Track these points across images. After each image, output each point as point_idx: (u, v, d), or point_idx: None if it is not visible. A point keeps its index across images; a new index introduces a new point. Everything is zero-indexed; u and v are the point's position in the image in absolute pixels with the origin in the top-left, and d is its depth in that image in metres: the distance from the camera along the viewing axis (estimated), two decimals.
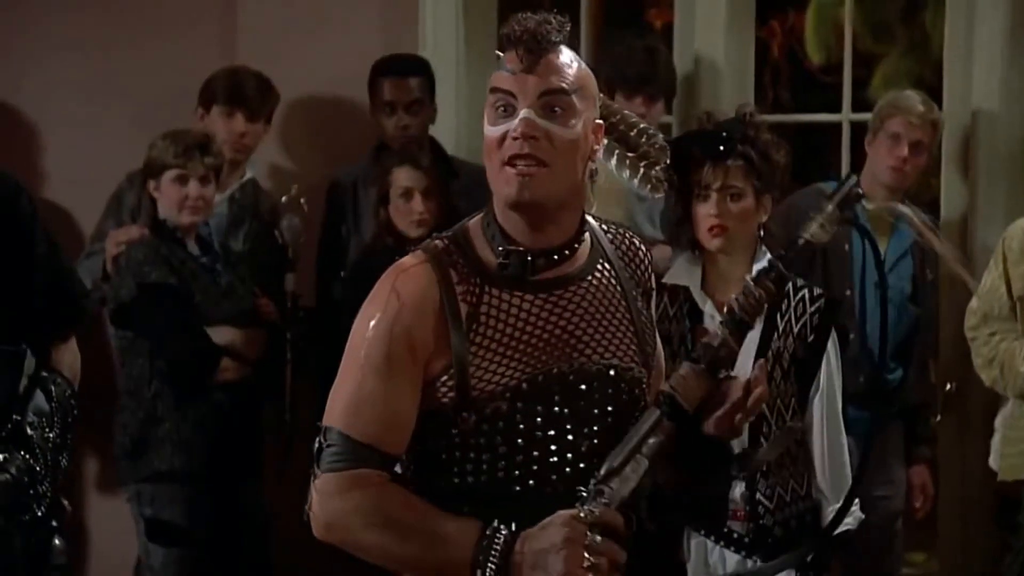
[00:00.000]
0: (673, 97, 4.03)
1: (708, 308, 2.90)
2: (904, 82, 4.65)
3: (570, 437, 1.86)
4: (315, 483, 1.87)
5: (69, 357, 2.58)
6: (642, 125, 2.02)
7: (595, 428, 1.87)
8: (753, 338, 2.84)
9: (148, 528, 3.58)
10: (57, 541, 2.51)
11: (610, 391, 1.89)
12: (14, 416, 2.43)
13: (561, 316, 1.89)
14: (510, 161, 1.83)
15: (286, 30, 4.27)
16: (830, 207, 1.87)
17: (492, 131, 1.86)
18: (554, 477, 1.85)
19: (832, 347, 2.90)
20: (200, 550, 3.59)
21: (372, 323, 1.86)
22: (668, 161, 2.01)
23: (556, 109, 1.84)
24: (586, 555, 1.73)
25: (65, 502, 2.53)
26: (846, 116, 4.24)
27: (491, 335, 1.86)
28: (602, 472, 1.81)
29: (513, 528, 1.79)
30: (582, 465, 1.86)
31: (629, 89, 3.85)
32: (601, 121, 1.93)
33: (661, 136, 2.02)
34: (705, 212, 2.85)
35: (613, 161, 2.00)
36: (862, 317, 3.75)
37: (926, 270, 3.89)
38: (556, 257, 1.89)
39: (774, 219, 2.93)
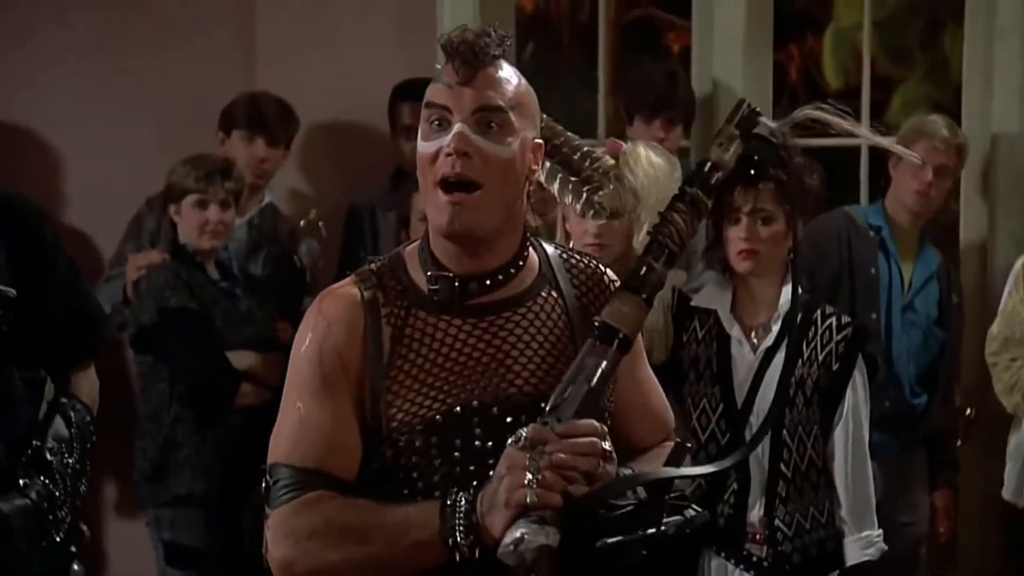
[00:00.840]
0: (692, 121, 4.04)
1: (735, 332, 2.89)
2: (923, 107, 4.64)
3: (492, 473, 1.70)
4: (267, 524, 1.79)
5: (88, 383, 2.58)
6: (586, 148, 1.96)
7: None
8: (777, 365, 2.83)
9: (167, 552, 3.58)
10: (75, 566, 2.51)
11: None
12: (34, 442, 2.43)
13: (490, 343, 1.80)
14: (442, 182, 1.75)
15: (304, 54, 4.29)
16: (729, 128, 1.82)
17: (425, 147, 1.78)
18: None
19: (859, 376, 2.88)
20: (219, 574, 3.58)
21: (303, 348, 1.80)
22: (612, 186, 1.94)
23: (492, 125, 1.76)
24: (528, 475, 1.64)
25: (84, 527, 2.53)
26: (864, 141, 4.23)
27: (413, 359, 1.78)
28: (548, 408, 1.70)
29: (471, 490, 1.70)
30: None
31: (648, 113, 3.86)
32: (541, 141, 1.84)
33: (606, 160, 1.96)
34: (735, 235, 2.84)
35: (556, 185, 1.94)
36: (888, 341, 3.74)
37: (952, 294, 3.87)
38: (488, 283, 1.80)
39: (804, 242, 2.93)
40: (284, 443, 1.79)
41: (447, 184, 1.75)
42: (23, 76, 4.31)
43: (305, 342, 1.80)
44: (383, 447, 1.78)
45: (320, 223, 3.99)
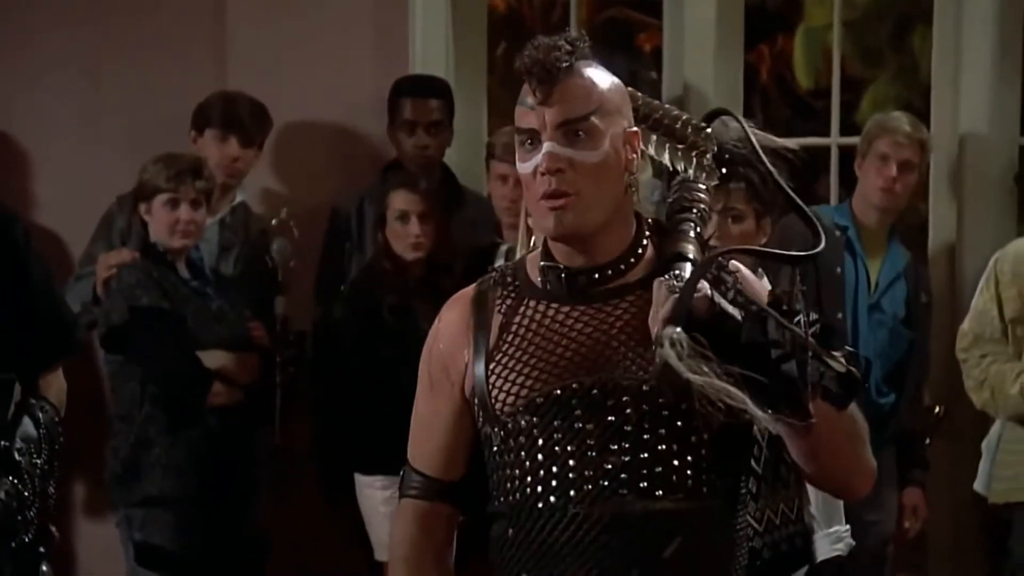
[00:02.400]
0: None
1: None
2: (892, 107, 4.66)
3: (591, 453, 1.81)
4: (396, 507, 1.99)
5: (56, 385, 2.58)
6: (685, 116, 1.99)
7: (625, 445, 1.81)
8: None
9: (137, 553, 3.57)
10: (44, 567, 2.50)
11: (644, 407, 1.81)
12: (2, 442, 2.43)
13: (597, 328, 1.86)
14: (544, 196, 1.84)
15: (277, 55, 4.28)
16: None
17: (523, 167, 1.87)
18: (572, 493, 1.81)
19: None
20: (190, 575, 3.57)
21: (424, 351, 1.96)
22: (716, 148, 1.98)
23: (579, 134, 1.83)
24: None
25: (53, 528, 2.53)
26: (835, 140, 4.26)
27: (518, 343, 1.87)
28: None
29: None
30: (605, 483, 1.81)
31: None
32: (636, 129, 1.90)
33: (703, 124, 1.99)
34: (706, 234, 2.85)
35: (666, 155, 1.97)
36: (854, 341, 3.75)
37: (920, 293, 3.89)
38: (597, 276, 1.88)
39: (772, 241, 2.94)
40: (410, 441, 1.98)
41: (548, 195, 1.84)
42: None
43: (425, 346, 1.97)
44: (496, 429, 1.87)
45: (291, 222, 3.98)
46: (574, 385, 1.83)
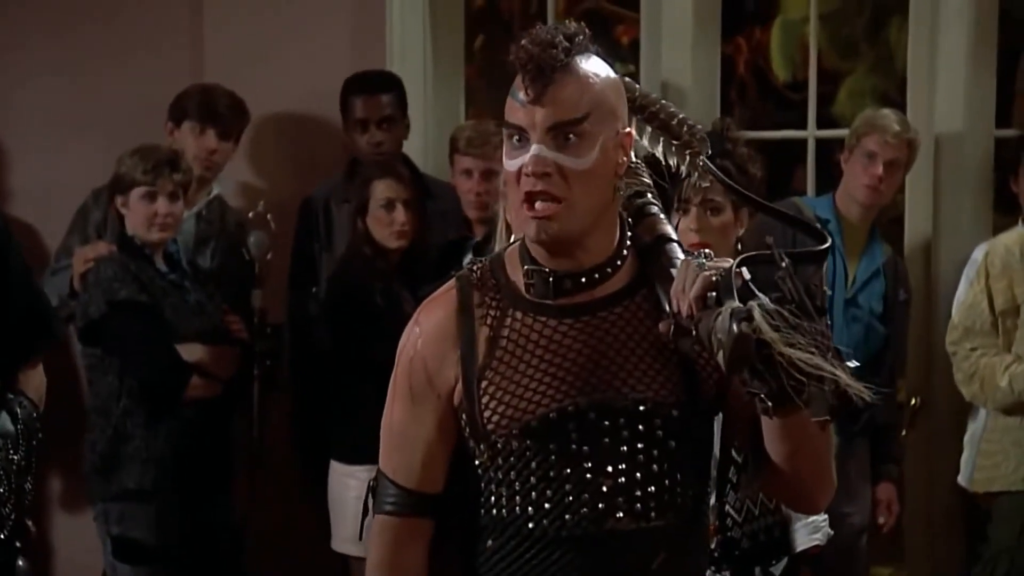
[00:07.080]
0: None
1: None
2: (869, 99, 4.69)
3: (589, 476, 1.78)
4: (372, 523, 1.89)
5: (36, 380, 2.56)
6: (681, 115, 1.95)
7: (621, 467, 1.79)
8: None
9: (115, 547, 3.55)
10: (21, 562, 2.49)
11: (640, 428, 1.79)
12: None
13: (586, 344, 1.81)
14: (527, 198, 1.77)
15: (253, 48, 4.26)
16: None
17: (509, 165, 1.80)
18: (568, 517, 1.79)
19: None
20: (168, 568, 3.56)
21: (399, 355, 1.87)
22: (709, 152, 1.94)
23: (570, 138, 1.76)
24: None
25: (29, 523, 2.51)
26: (811, 132, 4.27)
27: (508, 360, 1.81)
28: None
29: None
30: (601, 506, 1.79)
31: None
32: (630, 130, 1.84)
33: (700, 127, 1.96)
34: (685, 226, 2.85)
35: (660, 149, 1.94)
36: None
37: (899, 290, 3.90)
38: (584, 280, 1.82)
39: (749, 232, 2.95)
40: (383, 450, 1.89)
41: (531, 197, 1.78)
42: None
43: (402, 350, 1.88)
44: (481, 445, 1.82)
45: (268, 215, 3.97)
46: (569, 407, 1.79)
